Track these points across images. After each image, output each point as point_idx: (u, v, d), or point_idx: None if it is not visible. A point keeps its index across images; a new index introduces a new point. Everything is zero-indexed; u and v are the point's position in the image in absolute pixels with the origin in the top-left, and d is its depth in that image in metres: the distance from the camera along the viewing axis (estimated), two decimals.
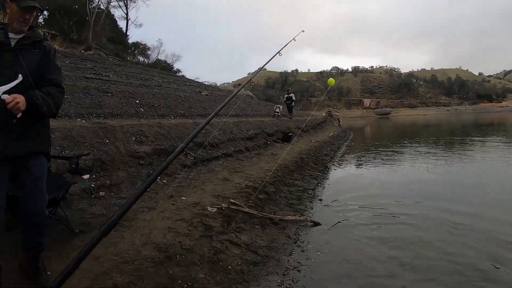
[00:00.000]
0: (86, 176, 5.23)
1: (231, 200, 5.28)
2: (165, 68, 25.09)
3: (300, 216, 5.61)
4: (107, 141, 6.32)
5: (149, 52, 30.34)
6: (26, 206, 2.44)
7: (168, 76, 19.06)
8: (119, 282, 3.02)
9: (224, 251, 3.96)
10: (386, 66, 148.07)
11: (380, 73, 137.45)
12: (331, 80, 7.13)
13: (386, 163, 12.02)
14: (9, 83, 2.19)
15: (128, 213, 4.49)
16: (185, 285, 3.22)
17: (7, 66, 2.32)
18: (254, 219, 4.99)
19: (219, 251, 3.91)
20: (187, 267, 3.49)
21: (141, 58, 29.18)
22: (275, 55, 3.89)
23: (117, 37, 25.74)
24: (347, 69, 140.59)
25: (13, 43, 2.40)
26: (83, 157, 4.20)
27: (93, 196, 4.86)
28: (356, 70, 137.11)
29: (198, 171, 7.05)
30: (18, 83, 2.24)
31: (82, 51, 18.67)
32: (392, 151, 15.56)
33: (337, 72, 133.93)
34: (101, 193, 4.98)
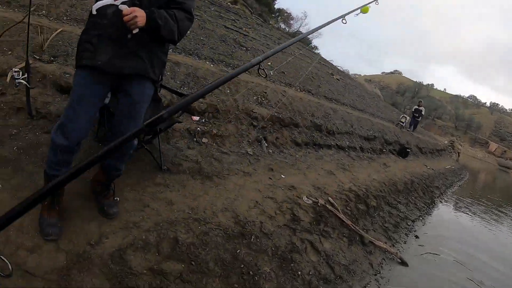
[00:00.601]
0: (196, 118, 4.98)
1: (330, 198, 4.64)
2: (303, 41, 24.53)
3: (391, 247, 4.79)
4: (227, 91, 6.02)
5: (291, 22, 30.11)
6: (115, 128, 2.30)
7: (304, 49, 18.49)
8: (180, 239, 2.73)
9: (301, 252, 3.43)
10: None
11: None
12: (365, 8, 5.28)
13: (499, 224, 9.98)
14: None
15: (223, 171, 4.18)
16: (246, 272, 2.81)
17: None
18: (344, 229, 4.34)
19: (295, 250, 3.39)
20: (256, 254, 3.07)
21: (282, 25, 29.07)
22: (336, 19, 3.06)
23: None
24: (485, 102, 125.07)
25: None
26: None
27: (195, 139, 4.57)
28: (493, 107, 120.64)
29: (306, 153, 6.43)
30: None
31: (229, 3, 19.01)
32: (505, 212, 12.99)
33: (473, 103, 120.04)
34: (204, 140, 4.67)
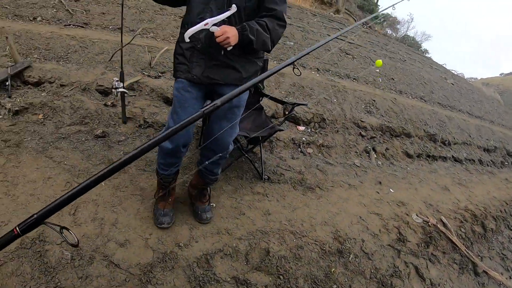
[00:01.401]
0: (302, 128, 4.97)
1: (443, 218, 4.23)
2: (412, 45, 23.16)
3: (507, 280, 4.14)
4: (334, 100, 5.92)
5: (398, 26, 28.62)
6: (212, 130, 2.32)
7: (414, 53, 17.37)
8: (272, 250, 2.72)
9: (404, 278, 3.16)
10: None
11: None
12: (378, 62, 4.38)
13: None
14: (220, 13, 1.95)
15: (326, 182, 4.08)
16: None
17: None
18: (455, 255, 3.90)
19: (397, 275, 3.15)
20: (352, 274, 2.92)
21: (389, 31, 27.83)
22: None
23: (367, 5, 25.01)
24: None
25: None
26: (301, 106, 3.83)
27: (299, 149, 4.56)
28: None
29: (418, 165, 5.99)
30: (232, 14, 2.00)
31: (332, 13, 18.76)
32: None
33: None
34: (309, 150, 4.63)
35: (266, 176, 3.67)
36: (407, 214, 3.97)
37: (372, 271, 3.03)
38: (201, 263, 2.42)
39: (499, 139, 10.76)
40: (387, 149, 5.62)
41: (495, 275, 4.01)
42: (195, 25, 1.89)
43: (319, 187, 3.90)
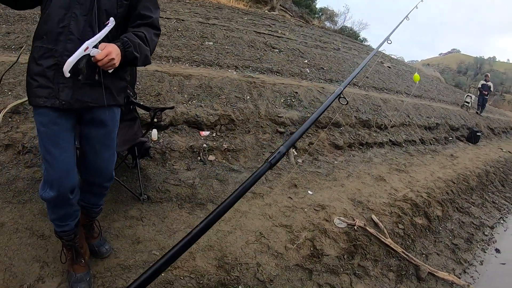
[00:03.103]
0: (205, 133, 4.24)
1: (373, 217, 3.58)
2: (350, 35, 23.17)
3: (461, 275, 3.56)
4: (248, 97, 5.22)
5: (336, 19, 28.78)
6: (91, 162, 2.00)
7: (351, 42, 17.21)
8: None
9: None
10: None
11: None
12: (416, 76, 4.06)
13: None
14: (88, 22, 1.64)
15: (224, 194, 3.24)
16: None
17: None
18: (391, 260, 3.24)
19: None
20: None
21: (327, 24, 27.90)
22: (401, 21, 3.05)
23: (304, 1, 25.00)
24: None
25: None
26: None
27: (199, 158, 3.82)
28: None
29: (349, 156, 5.37)
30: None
31: (266, 11, 18.42)
32: None
33: None
34: (211, 157, 3.90)
35: (145, 196, 2.98)
36: (327, 220, 3.28)
37: None
38: None
39: (441, 115, 10.51)
40: (310, 143, 4.96)
41: (444, 275, 3.35)
42: (56, 36, 1.60)
43: (212, 202, 3.16)
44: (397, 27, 3.19)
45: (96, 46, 1.53)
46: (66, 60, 1.53)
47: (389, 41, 2.99)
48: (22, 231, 2.32)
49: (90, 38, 1.53)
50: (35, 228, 2.37)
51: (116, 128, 2.06)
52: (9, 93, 3.66)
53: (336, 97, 1.96)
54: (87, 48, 1.50)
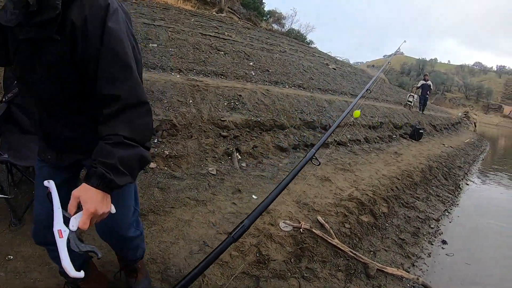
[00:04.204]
0: None
1: (319, 218, 3.59)
2: (297, 37, 23.58)
3: (410, 269, 3.63)
4: (190, 101, 5.09)
5: (284, 21, 29.23)
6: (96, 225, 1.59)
7: (297, 45, 17.48)
8: None
9: None
10: None
11: None
12: (356, 112, 4.54)
13: None
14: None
15: (165, 203, 3.18)
16: None
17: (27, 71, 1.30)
18: (339, 260, 3.21)
19: None
20: None
21: (275, 26, 28.26)
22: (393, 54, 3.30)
23: (252, 3, 25.03)
24: (492, 67, 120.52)
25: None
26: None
27: None
28: (501, 70, 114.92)
29: (294, 158, 5.40)
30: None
31: (214, 12, 18.32)
32: None
33: (480, 69, 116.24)
34: (152, 164, 3.75)
35: (14, 220, 2.67)
36: (272, 224, 3.24)
37: None
38: None
39: (385, 114, 10.92)
40: (255, 146, 4.93)
41: (393, 270, 3.37)
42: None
43: (153, 212, 3.01)
44: (373, 79, 3.46)
45: (65, 213, 1.10)
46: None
47: (368, 91, 3.26)
48: None
49: None
50: None
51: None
52: None
53: (308, 160, 2.07)
54: (60, 231, 1.08)
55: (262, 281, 2.59)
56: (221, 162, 4.31)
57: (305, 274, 2.86)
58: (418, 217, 5.02)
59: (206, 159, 4.21)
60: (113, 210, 1.19)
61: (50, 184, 1.15)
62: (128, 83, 1.20)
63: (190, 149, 4.23)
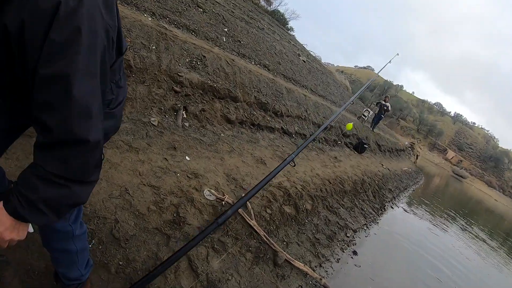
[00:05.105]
0: None
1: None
2: (279, 20, 23.38)
3: (316, 268, 3.88)
4: (154, 47, 4.96)
5: (272, 0, 28.81)
6: None
7: (277, 27, 17.39)
8: None
9: (167, 273, 2.42)
10: (488, 131, 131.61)
11: (479, 133, 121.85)
12: (349, 125, 4.97)
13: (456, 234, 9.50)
14: None
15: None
16: None
17: None
18: (252, 241, 3.36)
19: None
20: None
21: (262, 2, 27.77)
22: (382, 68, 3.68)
23: None
24: (450, 112, 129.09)
25: None
26: None
27: None
28: (457, 118, 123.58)
29: (237, 133, 5.48)
30: None
31: None
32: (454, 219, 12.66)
33: (439, 110, 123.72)
34: None
35: None
36: (197, 189, 3.32)
37: (120, 264, 2.26)
38: None
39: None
40: (203, 110, 4.94)
41: (299, 265, 3.54)
42: None
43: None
44: (361, 91, 3.32)
45: None
46: None
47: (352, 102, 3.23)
48: None
49: None
50: None
51: None
52: None
53: (287, 163, 2.39)
54: None
55: (173, 242, 2.67)
56: (165, 116, 4.30)
57: (215, 246, 2.96)
58: (338, 223, 5.29)
59: (152, 109, 4.18)
60: (31, 230, 1.13)
61: None
62: (64, 115, 0.94)
63: (139, 94, 4.17)
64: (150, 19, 5.94)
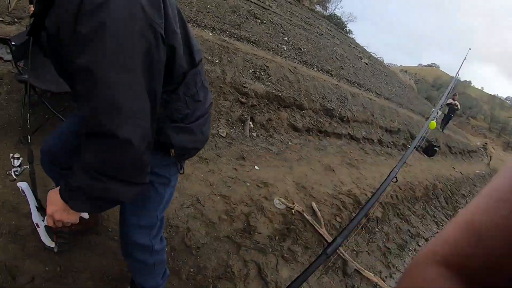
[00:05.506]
0: None
1: (313, 204, 3.59)
2: (337, 24, 23.04)
3: (383, 282, 3.60)
4: (217, 61, 5.05)
5: (327, 4, 28.51)
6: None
7: (336, 31, 17.11)
8: None
9: (237, 280, 2.40)
10: None
11: None
12: (432, 123, 4.38)
13: None
14: None
15: None
16: None
17: None
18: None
19: (227, 276, 2.39)
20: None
21: (318, 7, 27.61)
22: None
23: None
24: None
25: None
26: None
27: None
28: None
29: (305, 141, 5.37)
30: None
31: None
32: None
33: (511, 105, 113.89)
34: None
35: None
36: (267, 198, 3.27)
37: (191, 270, 2.27)
38: None
39: (404, 121, 10.72)
40: (269, 119, 4.91)
41: (370, 275, 3.34)
42: None
43: None
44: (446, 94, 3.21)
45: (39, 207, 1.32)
46: None
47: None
48: None
49: None
50: None
51: None
52: None
53: (391, 180, 2.24)
54: (37, 224, 1.32)
55: (243, 250, 2.63)
56: (232, 127, 4.32)
57: (285, 254, 2.88)
58: (409, 231, 4.97)
59: (219, 120, 4.22)
60: (86, 216, 1.23)
61: (24, 187, 1.29)
62: (91, 106, 0.94)
63: None
64: (211, 34, 6.08)
